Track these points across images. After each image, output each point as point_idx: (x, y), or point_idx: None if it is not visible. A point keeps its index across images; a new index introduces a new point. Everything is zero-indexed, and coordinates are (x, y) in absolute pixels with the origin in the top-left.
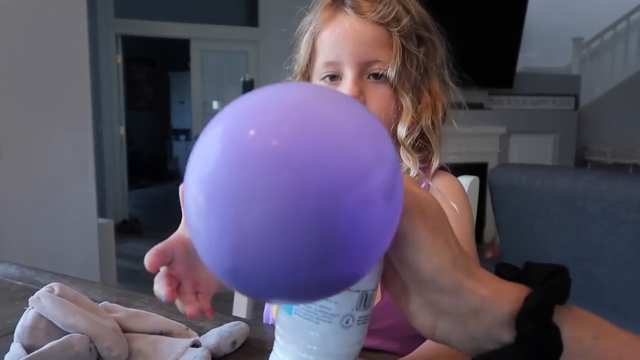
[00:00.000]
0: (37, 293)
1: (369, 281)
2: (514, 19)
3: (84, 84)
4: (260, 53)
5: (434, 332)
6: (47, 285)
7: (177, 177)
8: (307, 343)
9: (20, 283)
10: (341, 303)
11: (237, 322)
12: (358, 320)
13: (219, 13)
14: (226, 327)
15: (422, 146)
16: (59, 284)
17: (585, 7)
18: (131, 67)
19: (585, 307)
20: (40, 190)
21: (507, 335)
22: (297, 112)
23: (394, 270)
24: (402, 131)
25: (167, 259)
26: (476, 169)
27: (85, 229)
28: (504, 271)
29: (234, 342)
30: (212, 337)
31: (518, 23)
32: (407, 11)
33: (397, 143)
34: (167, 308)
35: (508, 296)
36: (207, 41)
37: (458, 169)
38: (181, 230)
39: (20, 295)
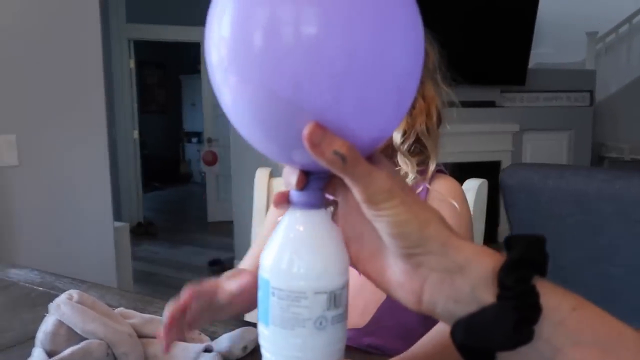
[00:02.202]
0: (56, 300)
1: (335, 281)
2: (525, 14)
3: (99, 89)
4: None
5: (420, 299)
6: (66, 292)
7: (190, 179)
8: (290, 351)
9: (40, 289)
10: (311, 307)
11: (248, 327)
12: (332, 320)
13: None
14: (237, 332)
15: (418, 150)
16: (78, 291)
17: (600, 0)
18: (143, 71)
19: (602, 307)
20: (57, 196)
21: (489, 296)
22: None
23: (371, 252)
24: (397, 137)
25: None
26: (489, 167)
27: (102, 232)
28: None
29: (245, 347)
30: (224, 341)
31: (530, 18)
32: None
33: (393, 149)
34: None
35: (491, 256)
36: None
37: (470, 168)
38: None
39: (41, 301)
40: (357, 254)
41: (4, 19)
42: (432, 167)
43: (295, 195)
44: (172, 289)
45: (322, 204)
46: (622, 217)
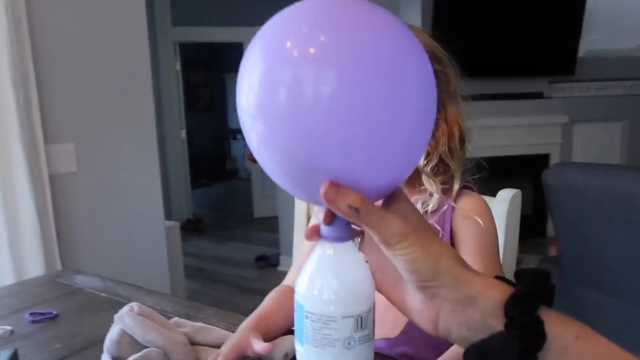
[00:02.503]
0: (120, 311)
1: (361, 306)
2: (574, 1)
3: (147, 93)
4: None
5: (437, 326)
6: (128, 305)
7: (235, 175)
8: None
9: (103, 295)
10: (340, 329)
11: (289, 335)
12: (359, 340)
13: (270, 15)
14: (279, 340)
15: (442, 170)
16: (138, 304)
17: None
18: (188, 70)
19: None
20: (112, 199)
21: (498, 324)
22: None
23: (393, 281)
24: (420, 159)
25: None
26: (537, 160)
27: (154, 232)
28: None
29: (286, 355)
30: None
31: (579, 5)
32: None
33: (417, 170)
34: (228, 321)
35: (499, 288)
36: None
37: (518, 161)
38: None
39: (104, 307)
40: (381, 281)
41: (58, 33)
42: (456, 186)
43: (324, 229)
44: (220, 284)
45: (348, 236)
46: None
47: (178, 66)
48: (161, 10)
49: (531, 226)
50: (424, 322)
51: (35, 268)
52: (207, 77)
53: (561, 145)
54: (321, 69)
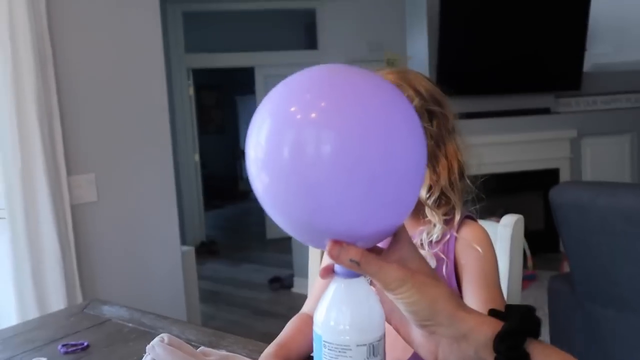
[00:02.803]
0: (152, 342)
1: (373, 335)
2: (577, 15)
3: (164, 121)
4: None
5: (437, 357)
6: (159, 336)
7: (248, 196)
8: None
9: (130, 325)
10: (355, 356)
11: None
12: None
13: (280, 40)
14: None
15: (444, 202)
16: (168, 334)
17: None
18: (200, 93)
19: None
20: (130, 228)
21: (489, 357)
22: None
23: (399, 316)
24: (423, 193)
25: None
26: (547, 175)
27: (171, 257)
28: (492, 312)
29: None
30: None
31: (582, 20)
32: (418, 92)
33: (420, 203)
34: (249, 348)
35: (490, 325)
36: (270, 67)
37: (527, 177)
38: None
39: (132, 337)
40: (390, 314)
41: (79, 68)
42: (457, 217)
43: (338, 267)
44: (233, 306)
45: (360, 274)
46: None
47: (191, 91)
48: (175, 38)
49: (544, 241)
50: (425, 353)
51: (57, 298)
52: (218, 99)
53: (570, 160)
54: (321, 130)
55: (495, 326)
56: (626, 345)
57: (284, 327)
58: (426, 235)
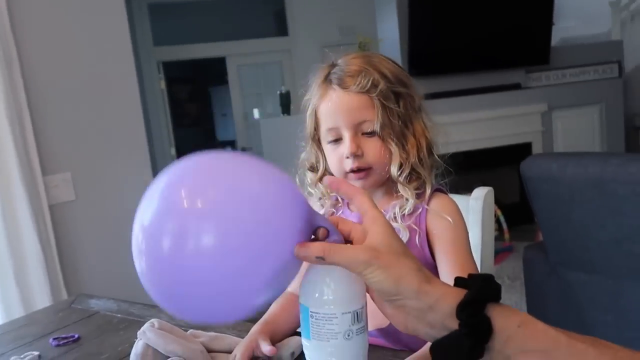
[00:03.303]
0: (142, 328)
1: (356, 303)
2: None
3: (138, 116)
4: (294, 60)
5: (407, 327)
6: (149, 321)
7: None
8: (327, 357)
9: (119, 315)
10: (341, 324)
11: (295, 336)
12: (357, 332)
13: (250, 28)
14: (286, 340)
15: (415, 177)
16: (158, 319)
17: None
18: (173, 87)
19: (630, 284)
20: (110, 224)
21: (454, 325)
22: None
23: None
24: (394, 170)
25: None
26: (520, 149)
27: None
28: (458, 281)
29: (293, 353)
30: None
31: None
32: (383, 75)
33: (392, 180)
34: (238, 328)
35: (453, 295)
36: (242, 56)
37: (501, 152)
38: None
39: (122, 326)
40: (367, 288)
41: (49, 70)
42: (428, 190)
43: None
44: None
45: None
46: (638, 197)
47: (163, 84)
48: (142, 31)
49: (520, 213)
50: (397, 323)
51: (42, 297)
52: (191, 92)
53: (542, 133)
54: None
55: (458, 296)
56: (597, 306)
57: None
58: (399, 209)
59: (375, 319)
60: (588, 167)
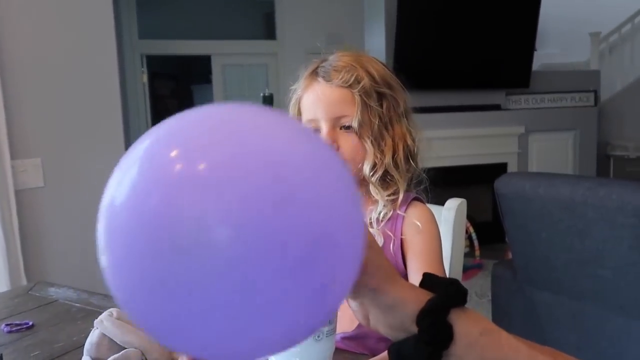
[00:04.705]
0: (100, 316)
1: None
2: (527, 17)
3: (115, 106)
4: (279, 64)
5: (368, 323)
6: (108, 310)
7: None
8: (293, 357)
9: (78, 305)
10: None
11: None
12: (327, 333)
13: (238, 29)
14: None
15: (390, 181)
16: (117, 309)
17: (602, 1)
18: (155, 82)
19: (594, 306)
20: (80, 213)
21: (414, 328)
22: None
23: None
24: (366, 169)
25: None
26: (496, 169)
27: None
28: (424, 280)
29: None
30: None
31: (532, 21)
32: (369, 74)
33: (363, 179)
34: None
35: (415, 299)
36: (227, 56)
37: (477, 171)
38: None
39: (79, 316)
40: None
41: (24, 48)
42: (400, 196)
43: None
44: None
45: None
46: (607, 222)
47: (145, 78)
48: (128, 23)
49: (491, 232)
50: (359, 318)
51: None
52: (174, 89)
53: (518, 155)
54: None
55: (420, 301)
56: (560, 326)
57: None
58: (374, 214)
59: (340, 323)
60: (560, 189)
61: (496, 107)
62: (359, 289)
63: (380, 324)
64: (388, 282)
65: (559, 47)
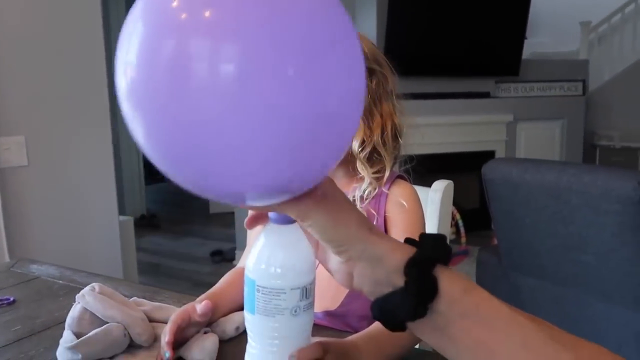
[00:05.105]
0: (82, 291)
1: (305, 278)
2: (519, 6)
3: (102, 86)
4: None
5: (351, 282)
6: (90, 285)
7: None
8: (271, 332)
9: (61, 282)
10: (288, 299)
11: (240, 311)
12: (304, 308)
13: None
14: (230, 315)
15: (376, 159)
16: (99, 284)
17: None
18: None
19: (576, 291)
20: (65, 193)
21: (400, 282)
22: None
23: (322, 250)
24: (355, 145)
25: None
26: (484, 156)
27: (108, 226)
28: (407, 241)
29: (237, 328)
30: (219, 323)
31: (523, 10)
32: None
33: (352, 155)
34: (183, 302)
35: (403, 250)
36: None
37: (466, 158)
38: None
39: (62, 292)
40: (314, 248)
41: (10, 24)
42: (386, 173)
43: (272, 214)
44: (175, 279)
45: (292, 219)
46: (591, 209)
47: None
48: (116, 6)
49: (478, 219)
50: (341, 279)
51: None
52: None
53: (506, 143)
54: (217, 42)
55: (407, 252)
56: (543, 311)
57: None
58: (358, 192)
59: (323, 300)
60: (545, 175)
61: (485, 95)
62: (347, 239)
63: (366, 280)
64: (375, 234)
65: (549, 36)
